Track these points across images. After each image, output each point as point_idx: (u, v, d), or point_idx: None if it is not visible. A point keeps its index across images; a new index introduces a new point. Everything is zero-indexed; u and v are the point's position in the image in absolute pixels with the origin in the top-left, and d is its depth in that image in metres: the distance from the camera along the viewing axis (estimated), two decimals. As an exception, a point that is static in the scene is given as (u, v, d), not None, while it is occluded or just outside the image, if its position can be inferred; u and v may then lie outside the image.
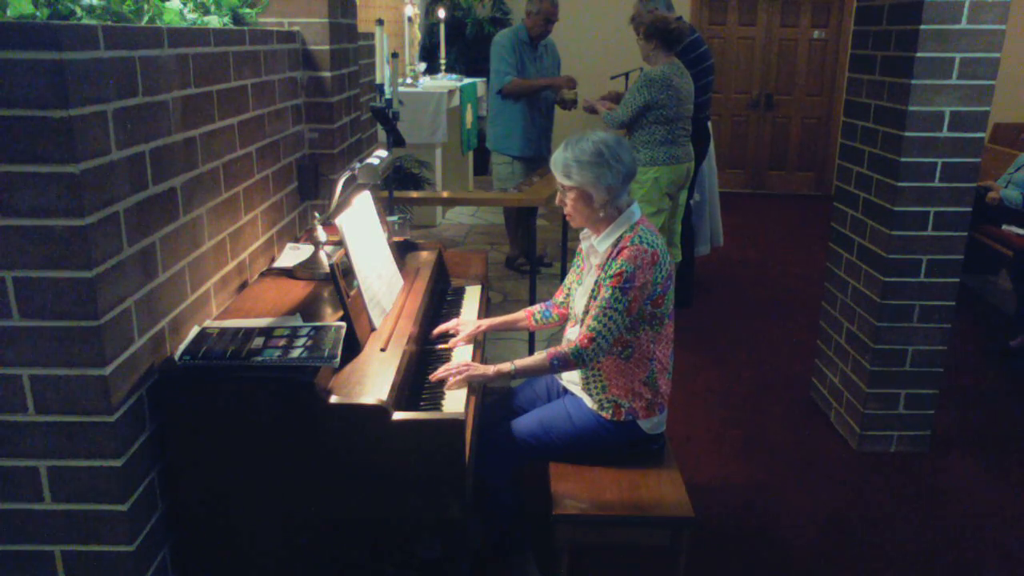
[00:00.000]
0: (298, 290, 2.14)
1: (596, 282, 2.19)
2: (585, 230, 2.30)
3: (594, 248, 2.25)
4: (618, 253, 2.15)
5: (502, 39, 5.01)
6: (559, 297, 2.49)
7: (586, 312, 2.21)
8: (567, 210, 2.24)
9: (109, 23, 1.62)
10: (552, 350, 2.18)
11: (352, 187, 2.35)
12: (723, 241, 5.42)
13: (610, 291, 2.12)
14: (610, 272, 2.14)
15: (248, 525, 1.74)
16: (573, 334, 2.30)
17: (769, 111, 8.21)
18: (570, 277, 2.44)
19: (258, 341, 1.74)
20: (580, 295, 2.30)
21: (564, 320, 2.47)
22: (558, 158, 2.18)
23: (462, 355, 2.25)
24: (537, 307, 2.52)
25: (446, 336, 2.33)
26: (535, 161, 5.04)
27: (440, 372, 2.09)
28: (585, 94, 8.58)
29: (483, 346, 2.39)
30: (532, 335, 3.83)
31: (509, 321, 2.48)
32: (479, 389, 2.17)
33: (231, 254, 2.09)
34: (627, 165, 2.17)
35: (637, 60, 4.32)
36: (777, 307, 4.95)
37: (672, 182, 4.14)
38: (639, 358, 2.22)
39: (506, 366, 2.17)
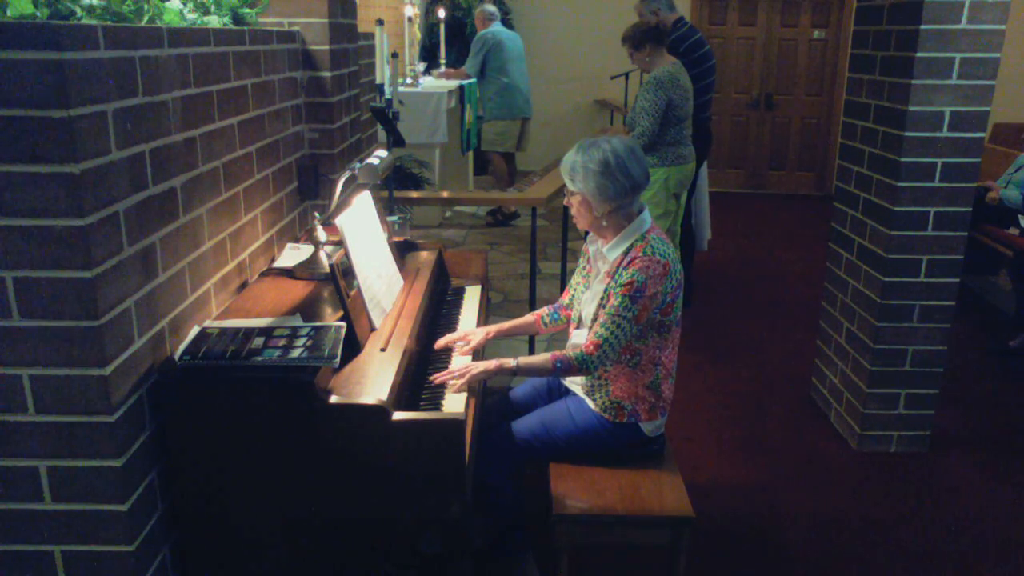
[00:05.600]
0: (298, 290, 2.14)
1: (606, 290, 2.18)
2: (592, 234, 2.30)
3: (603, 255, 2.23)
4: (629, 263, 2.12)
5: None
6: (565, 299, 2.48)
7: (595, 319, 2.20)
8: (572, 212, 2.24)
9: (109, 23, 1.62)
10: (557, 353, 2.17)
11: (352, 187, 2.35)
12: (706, 247, 5.37)
13: (620, 299, 2.10)
14: (620, 281, 2.12)
15: (248, 525, 1.74)
16: (578, 338, 2.29)
17: (769, 111, 8.21)
18: (575, 279, 2.43)
19: (258, 341, 1.74)
20: (588, 300, 2.29)
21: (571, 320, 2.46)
22: (567, 160, 2.17)
23: (462, 358, 2.25)
24: (545, 310, 2.50)
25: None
26: None
27: (442, 376, 2.08)
28: (585, 94, 8.61)
29: (483, 355, 2.38)
30: (532, 336, 3.82)
31: (518, 325, 2.45)
32: (479, 388, 2.17)
33: (231, 254, 2.09)
34: (635, 178, 2.14)
35: (637, 60, 4.31)
36: (777, 307, 4.95)
37: (680, 182, 4.15)
38: (645, 363, 2.22)
39: (508, 361, 2.16)
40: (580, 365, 2.14)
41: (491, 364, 2.13)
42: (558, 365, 2.15)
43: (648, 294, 2.10)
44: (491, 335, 2.32)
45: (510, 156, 6.65)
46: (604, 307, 2.15)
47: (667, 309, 2.17)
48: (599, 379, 2.25)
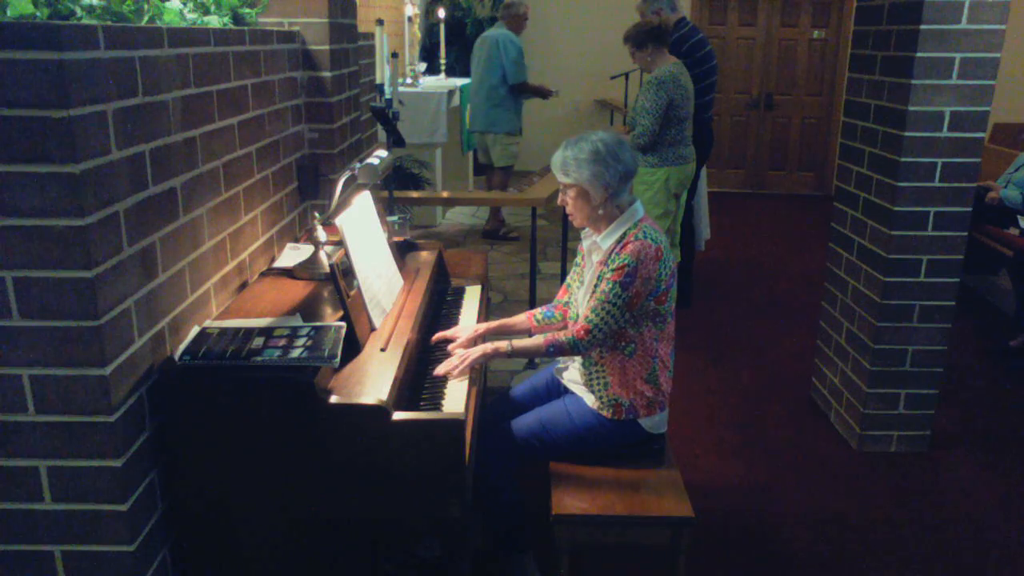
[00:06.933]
0: (298, 290, 2.14)
1: (599, 276, 2.19)
2: (586, 229, 2.31)
3: (597, 245, 2.25)
4: (622, 248, 2.15)
5: (515, 39, 5.79)
6: (563, 297, 2.49)
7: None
8: (568, 209, 2.26)
9: (109, 23, 1.62)
10: (550, 336, 2.21)
11: (352, 187, 2.35)
12: (704, 247, 5.36)
13: (610, 284, 2.13)
14: (612, 266, 2.15)
15: (248, 525, 1.74)
16: None
17: (769, 111, 8.21)
18: (571, 277, 2.44)
19: (258, 341, 1.74)
20: (583, 294, 2.30)
21: (567, 318, 2.47)
22: (557, 157, 2.20)
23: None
24: (538, 309, 2.52)
25: (446, 343, 2.34)
26: None
27: (442, 368, 2.13)
28: (584, 94, 8.61)
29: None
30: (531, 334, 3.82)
31: (509, 324, 2.48)
32: (480, 388, 2.17)
33: (231, 254, 2.09)
34: (625, 164, 2.17)
35: (637, 60, 4.31)
36: (777, 307, 4.95)
37: (680, 182, 4.15)
38: (642, 355, 2.23)
39: (503, 344, 2.22)
40: (571, 349, 2.19)
41: (488, 348, 2.20)
42: (550, 348, 2.21)
43: (639, 278, 2.12)
44: (481, 332, 2.33)
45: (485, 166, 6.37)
46: (596, 292, 2.17)
47: (662, 297, 2.18)
48: (598, 372, 2.26)
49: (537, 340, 2.23)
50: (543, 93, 5.99)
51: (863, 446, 3.25)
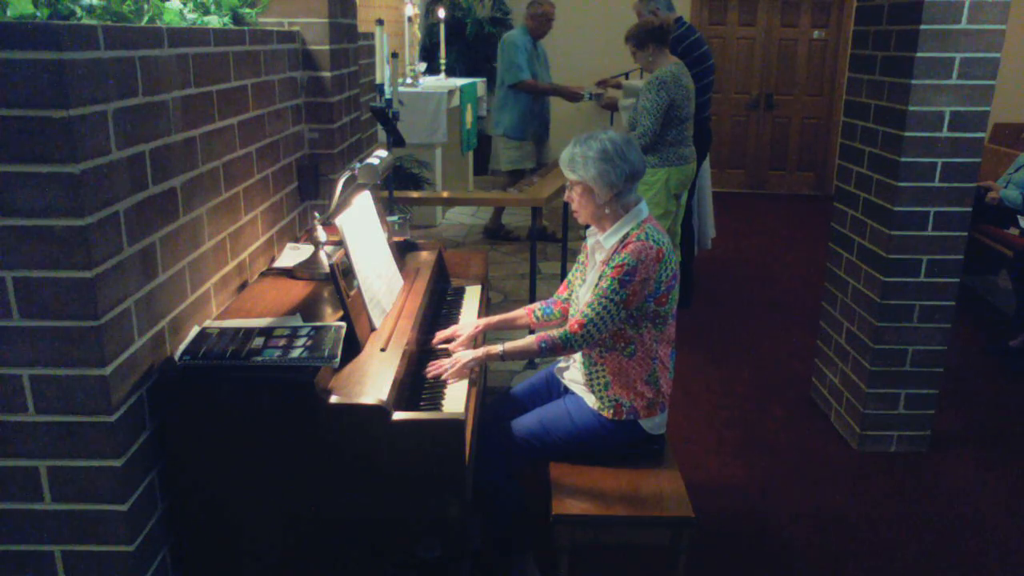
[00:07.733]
0: (298, 290, 2.14)
1: (600, 275, 2.19)
2: (591, 228, 2.31)
3: (600, 244, 2.26)
4: (623, 248, 2.16)
5: (517, 39, 5.66)
6: (563, 293, 2.49)
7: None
8: (573, 206, 2.27)
9: (109, 23, 1.62)
10: (542, 334, 2.21)
11: (352, 187, 2.35)
12: (710, 245, 5.36)
13: (609, 281, 2.13)
14: (612, 264, 2.15)
15: (248, 525, 1.74)
16: None
17: (769, 111, 8.21)
18: (573, 274, 2.44)
19: (258, 341, 1.74)
20: (584, 292, 2.30)
21: (566, 316, 2.47)
22: (566, 153, 2.21)
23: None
24: (537, 304, 2.52)
25: (447, 343, 2.34)
26: (540, 143, 5.93)
27: (434, 369, 2.12)
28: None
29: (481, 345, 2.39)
30: (531, 331, 3.83)
31: (509, 319, 2.49)
32: (480, 386, 2.17)
33: (231, 254, 2.09)
34: (633, 164, 2.17)
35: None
36: (777, 307, 4.95)
37: (680, 183, 4.14)
38: (642, 356, 2.23)
39: (495, 348, 2.21)
40: (564, 344, 2.17)
41: (479, 352, 2.19)
42: (543, 345, 2.19)
43: (638, 278, 2.12)
44: (480, 328, 2.35)
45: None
46: (595, 289, 2.17)
47: (662, 299, 2.18)
48: (598, 372, 2.26)
49: (530, 340, 2.22)
50: (562, 94, 5.75)
51: (863, 446, 3.25)
